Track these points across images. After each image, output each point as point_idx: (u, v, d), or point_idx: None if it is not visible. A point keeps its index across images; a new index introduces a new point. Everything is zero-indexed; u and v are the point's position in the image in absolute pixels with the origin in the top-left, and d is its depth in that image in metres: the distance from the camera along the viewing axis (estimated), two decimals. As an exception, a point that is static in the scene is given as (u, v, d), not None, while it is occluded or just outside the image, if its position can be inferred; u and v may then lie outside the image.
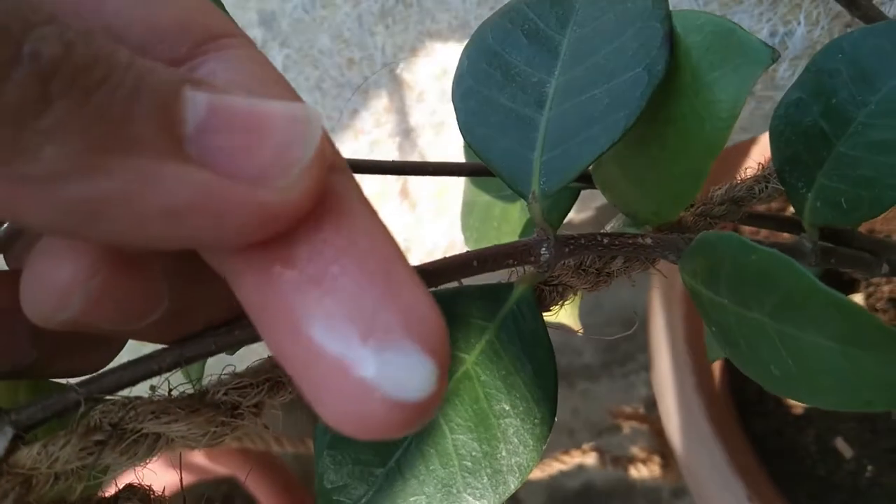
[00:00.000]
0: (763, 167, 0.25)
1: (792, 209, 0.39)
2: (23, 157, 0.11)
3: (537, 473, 0.60)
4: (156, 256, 0.16)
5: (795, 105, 0.23)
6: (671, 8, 0.20)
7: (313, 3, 0.43)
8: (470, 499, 0.19)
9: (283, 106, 0.13)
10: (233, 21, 0.16)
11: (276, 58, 0.44)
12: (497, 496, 0.19)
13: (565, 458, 0.59)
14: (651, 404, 0.72)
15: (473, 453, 0.19)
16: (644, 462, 0.59)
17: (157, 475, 0.20)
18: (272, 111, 0.13)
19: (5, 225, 0.19)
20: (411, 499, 0.19)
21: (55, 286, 0.15)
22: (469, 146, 0.21)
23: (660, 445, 0.61)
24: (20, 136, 0.11)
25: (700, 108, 0.19)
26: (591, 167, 0.25)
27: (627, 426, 0.63)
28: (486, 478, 0.19)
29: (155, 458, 0.18)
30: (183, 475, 0.64)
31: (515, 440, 0.19)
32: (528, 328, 0.20)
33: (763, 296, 0.18)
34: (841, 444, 0.56)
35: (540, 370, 0.20)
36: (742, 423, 0.58)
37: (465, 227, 0.33)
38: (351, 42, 0.44)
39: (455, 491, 0.19)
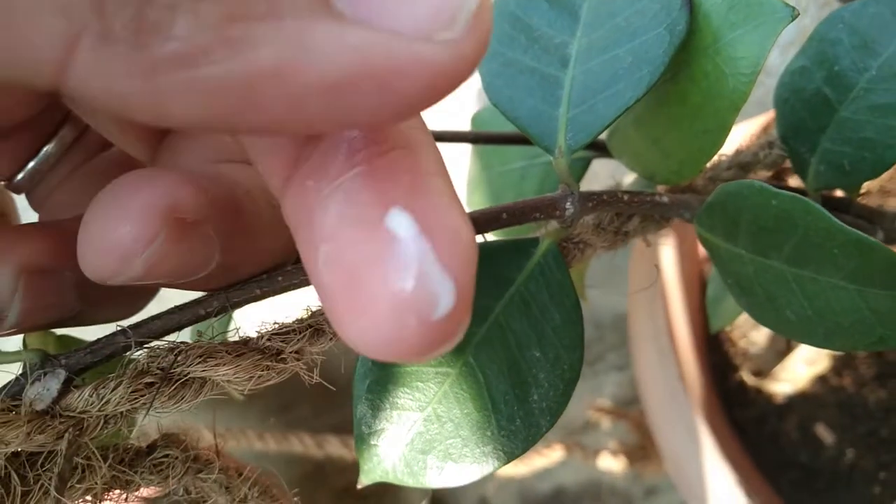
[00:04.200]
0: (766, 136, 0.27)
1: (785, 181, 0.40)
2: (153, 37, 0.10)
3: (509, 471, 0.60)
4: (210, 213, 0.16)
5: (799, 73, 0.25)
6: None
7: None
8: (504, 440, 0.19)
9: None
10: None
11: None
12: (530, 438, 0.20)
13: (539, 457, 0.58)
14: (621, 403, 0.72)
15: (506, 398, 0.20)
16: (622, 455, 0.60)
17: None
18: None
19: (29, 165, 0.19)
20: (448, 441, 0.19)
21: (117, 250, 0.14)
22: (496, 106, 0.22)
23: (638, 440, 0.61)
24: (144, 11, 0.10)
25: (722, 65, 0.20)
26: (605, 135, 0.26)
27: (603, 423, 0.63)
28: (519, 420, 0.20)
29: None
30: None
31: (546, 385, 0.20)
32: (555, 279, 0.21)
33: (782, 241, 0.19)
34: (822, 430, 0.57)
35: (567, 319, 0.21)
36: (725, 414, 0.59)
37: (471, 205, 0.33)
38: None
39: (490, 434, 0.19)
